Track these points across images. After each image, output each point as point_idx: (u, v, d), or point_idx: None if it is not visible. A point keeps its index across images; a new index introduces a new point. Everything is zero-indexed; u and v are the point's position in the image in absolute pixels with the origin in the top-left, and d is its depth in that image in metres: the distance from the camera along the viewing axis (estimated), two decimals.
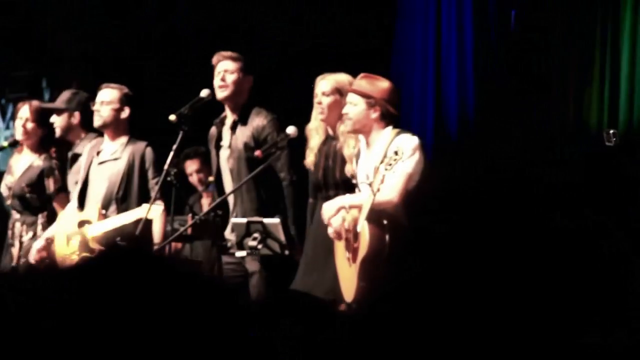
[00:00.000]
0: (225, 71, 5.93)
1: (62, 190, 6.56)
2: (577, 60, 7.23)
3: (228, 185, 5.90)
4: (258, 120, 5.85)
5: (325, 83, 5.54)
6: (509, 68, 7.49)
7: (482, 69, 7.64)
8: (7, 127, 9.09)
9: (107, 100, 6.23)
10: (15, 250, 6.63)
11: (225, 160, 5.95)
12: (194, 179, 7.38)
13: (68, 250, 6.17)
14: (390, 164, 4.81)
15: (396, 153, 4.81)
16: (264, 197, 5.75)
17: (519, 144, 7.23)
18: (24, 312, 1.60)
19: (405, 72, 7.94)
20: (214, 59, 6.00)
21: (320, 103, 5.51)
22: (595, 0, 7.16)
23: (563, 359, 1.92)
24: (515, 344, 1.90)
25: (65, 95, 6.69)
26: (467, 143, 7.51)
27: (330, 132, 5.56)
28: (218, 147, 6.00)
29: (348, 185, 5.36)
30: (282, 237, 5.31)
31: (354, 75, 5.38)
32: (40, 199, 6.64)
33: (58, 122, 6.60)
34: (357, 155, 5.28)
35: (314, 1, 7.89)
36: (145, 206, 5.88)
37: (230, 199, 5.83)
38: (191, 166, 7.36)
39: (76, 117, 6.58)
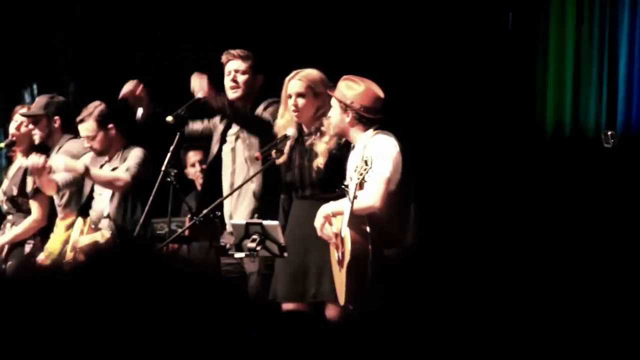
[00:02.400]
0: (237, 71, 5.90)
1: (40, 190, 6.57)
2: (574, 61, 7.23)
3: (226, 178, 5.88)
4: (272, 108, 5.82)
5: (298, 84, 5.50)
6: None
7: None
8: None
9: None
10: (3, 252, 6.66)
11: (228, 153, 5.94)
12: (194, 170, 7.30)
13: (69, 256, 6.24)
14: (361, 173, 4.86)
15: (366, 162, 4.86)
16: (267, 199, 5.75)
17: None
18: (25, 312, 1.59)
19: None
20: (223, 58, 5.96)
21: (296, 105, 5.47)
22: (593, 0, 7.17)
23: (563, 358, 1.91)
24: (515, 344, 1.89)
25: (41, 100, 6.71)
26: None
27: (305, 129, 5.54)
28: (224, 139, 5.98)
29: (324, 184, 5.37)
30: (280, 239, 5.31)
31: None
32: (27, 200, 6.67)
33: (38, 129, 6.62)
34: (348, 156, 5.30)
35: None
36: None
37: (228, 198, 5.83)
38: (194, 157, 7.30)
39: (57, 122, 6.60)
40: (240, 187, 5.66)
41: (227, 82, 5.90)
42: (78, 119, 6.31)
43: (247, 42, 6.21)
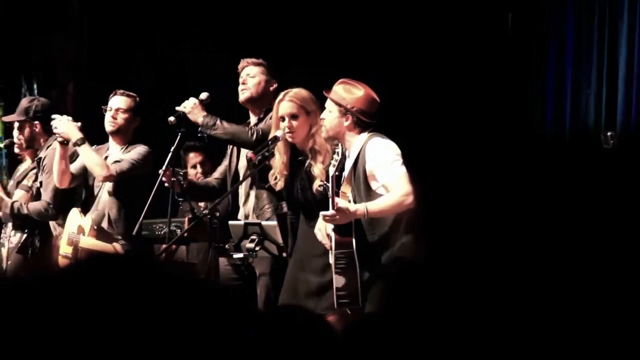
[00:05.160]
0: (247, 75, 5.96)
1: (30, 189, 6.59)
2: (574, 61, 7.23)
3: (243, 188, 5.90)
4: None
5: (289, 105, 5.48)
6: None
7: None
8: None
9: (123, 108, 6.29)
10: (4, 251, 6.65)
11: (242, 166, 5.96)
12: (194, 171, 7.29)
13: (66, 250, 6.24)
14: (334, 165, 5.03)
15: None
16: (268, 198, 5.76)
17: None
18: (20, 316, 1.59)
19: None
20: (239, 66, 6.03)
21: (290, 127, 5.44)
22: (593, 1, 7.16)
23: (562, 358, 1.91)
24: (514, 344, 1.89)
25: (22, 105, 6.73)
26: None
27: (298, 149, 5.54)
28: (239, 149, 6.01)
29: (327, 201, 5.37)
30: (279, 239, 5.31)
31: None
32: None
33: (22, 135, 6.64)
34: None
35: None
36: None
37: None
38: (195, 158, 7.30)
39: (37, 126, 6.61)
40: (236, 187, 5.66)
41: (240, 86, 5.96)
42: (121, 90, 6.32)
43: (247, 43, 6.22)
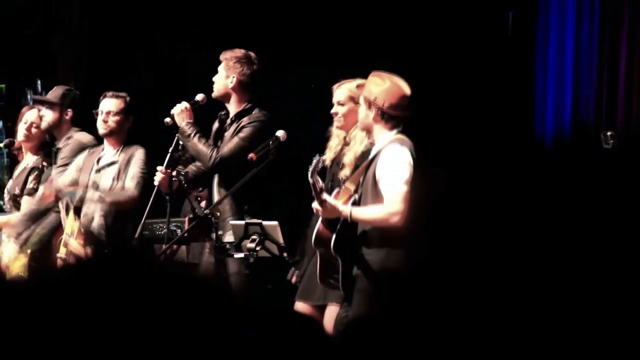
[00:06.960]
0: (218, 71, 5.93)
1: (36, 191, 6.61)
2: (574, 61, 7.23)
3: (216, 180, 5.89)
4: (245, 120, 5.84)
5: (339, 92, 5.56)
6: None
7: None
8: None
9: (114, 111, 6.29)
10: (4, 248, 6.66)
11: None
12: None
13: (61, 251, 6.25)
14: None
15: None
16: (237, 198, 5.74)
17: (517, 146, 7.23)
18: (21, 315, 1.59)
19: None
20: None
21: (336, 113, 5.52)
22: (593, 1, 7.17)
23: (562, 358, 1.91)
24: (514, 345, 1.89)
25: (58, 90, 6.76)
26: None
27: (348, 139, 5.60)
28: (216, 140, 5.98)
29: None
30: (280, 239, 5.30)
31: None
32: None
33: (48, 116, 6.66)
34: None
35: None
36: None
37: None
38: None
39: (68, 114, 6.65)
40: (238, 186, 5.64)
41: None
42: (110, 92, 6.34)
43: (247, 43, 6.22)
